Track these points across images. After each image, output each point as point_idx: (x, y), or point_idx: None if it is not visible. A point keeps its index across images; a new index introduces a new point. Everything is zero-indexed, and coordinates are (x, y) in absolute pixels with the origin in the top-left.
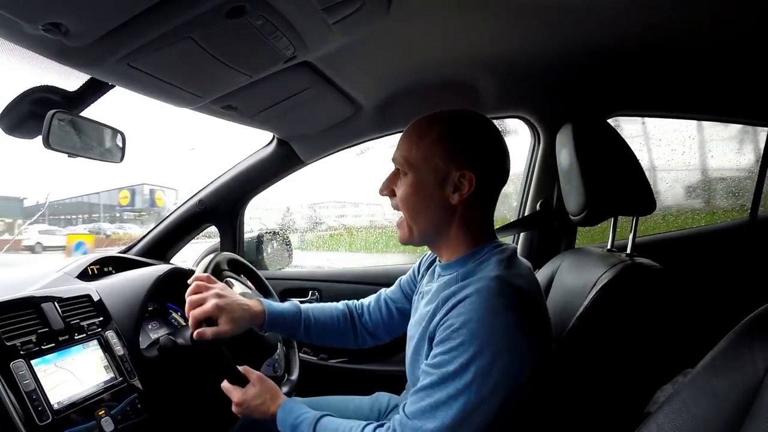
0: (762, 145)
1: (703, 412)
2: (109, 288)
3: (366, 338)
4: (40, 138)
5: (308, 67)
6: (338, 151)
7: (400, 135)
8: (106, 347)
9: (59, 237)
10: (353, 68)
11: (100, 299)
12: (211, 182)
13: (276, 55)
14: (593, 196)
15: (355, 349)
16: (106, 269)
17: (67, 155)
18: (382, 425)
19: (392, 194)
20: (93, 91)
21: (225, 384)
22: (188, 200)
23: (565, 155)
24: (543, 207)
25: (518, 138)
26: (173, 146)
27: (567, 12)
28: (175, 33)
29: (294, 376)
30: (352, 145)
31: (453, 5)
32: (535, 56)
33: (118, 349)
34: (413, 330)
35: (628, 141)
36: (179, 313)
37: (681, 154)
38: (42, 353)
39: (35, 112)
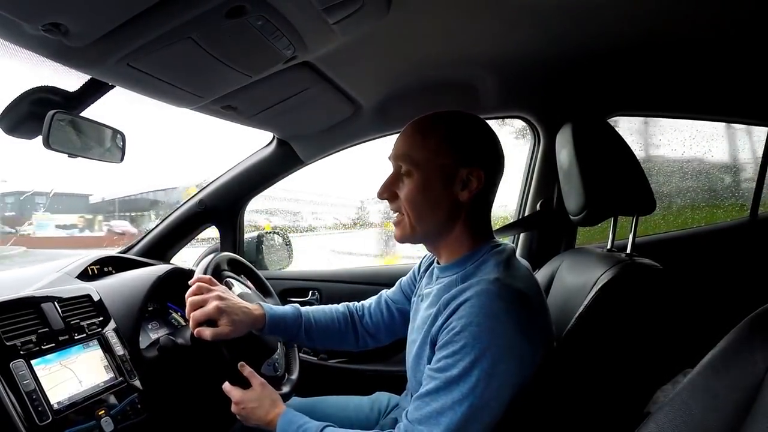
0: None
1: (703, 412)
2: (109, 288)
3: (367, 340)
4: (40, 138)
5: (308, 67)
6: (338, 151)
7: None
8: (106, 347)
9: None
10: (353, 68)
11: (100, 299)
12: (212, 182)
13: (276, 55)
14: (593, 196)
15: (355, 351)
16: (106, 269)
17: (66, 155)
18: None
19: (393, 197)
20: (93, 91)
21: (226, 385)
22: (188, 200)
23: (564, 155)
24: (543, 207)
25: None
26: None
27: (567, 12)
28: (175, 33)
29: (294, 376)
30: (352, 145)
31: (453, 5)
32: (535, 56)
33: (118, 349)
34: (415, 334)
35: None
36: (179, 313)
37: (681, 154)
38: (42, 353)
39: (35, 113)
